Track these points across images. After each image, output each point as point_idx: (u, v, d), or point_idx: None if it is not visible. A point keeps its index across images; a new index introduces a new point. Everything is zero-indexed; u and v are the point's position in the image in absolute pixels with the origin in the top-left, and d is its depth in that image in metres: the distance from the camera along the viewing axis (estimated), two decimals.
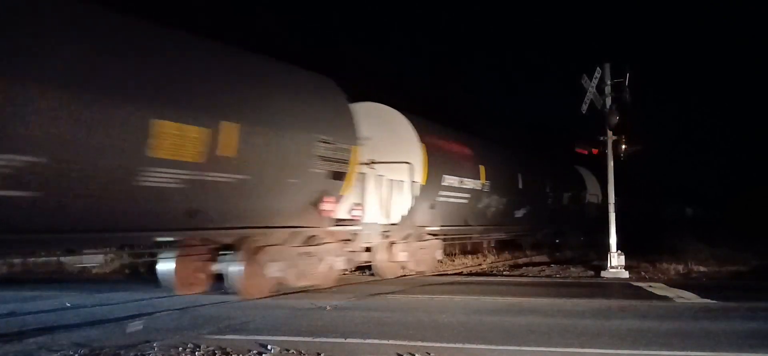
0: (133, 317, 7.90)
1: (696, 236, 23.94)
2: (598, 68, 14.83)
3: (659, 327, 7.17)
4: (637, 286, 11.92)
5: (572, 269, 15.71)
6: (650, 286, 11.74)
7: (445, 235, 15.92)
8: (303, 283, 10.61)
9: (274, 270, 9.94)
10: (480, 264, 18.07)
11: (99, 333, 6.91)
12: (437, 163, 14.52)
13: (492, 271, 16.34)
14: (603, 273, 14.06)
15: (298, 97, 10.28)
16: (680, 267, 14.89)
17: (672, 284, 11.92)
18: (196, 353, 5.81)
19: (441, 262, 16.43)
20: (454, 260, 18.10)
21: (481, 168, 16.92)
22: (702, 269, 14.91)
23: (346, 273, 13.12)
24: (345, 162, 10.99)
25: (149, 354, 5.82)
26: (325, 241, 11.17)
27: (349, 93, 12.17)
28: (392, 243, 13.45)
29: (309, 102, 10.49)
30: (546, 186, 21.67)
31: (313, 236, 10.93)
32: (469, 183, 15.98)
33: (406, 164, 13.56)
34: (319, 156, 10.28)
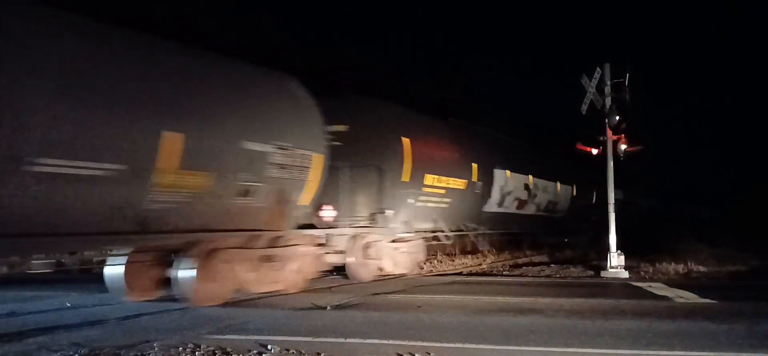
0: (133, 317, 7.91)
1: (696, 236, 23.94)
2: (598, 68, 14.85)
3: (659, 327, 7.17)
4: (637, 286, 11.93)
5: (572, 269, 15.71)
6: (650, 286, 11.74)
7: (431, 236, 15.16)
8: (265, 288, 9.94)
9: (229, 275, 9.25)
10: (480, 264, 18.07)
11: (99, 333, 6.91)
12: (423, 159, 13.61)
13: (492, 271, 16.33)
14: (603, 273, 14.07)
15: (250, 99, 9.51)
16: (680, 267, 14.89)
17: (672, 284, 11.93)
18: (196, 353, 5.81)
19: (427, 264, 16.00)
20: (453, 261, 18.09)
21: (474, 167, 16.26)
22: (702, 269, 14.91)
23: (324, 275, 12.21)
24: (305, 168, 10.29)
25: (149, 354, 5.83)
26: (291, 243, 10.46)
27: (339, 87, 12.07)
28: (367, 245, 12.59)
29: (263, 105, 9.74)
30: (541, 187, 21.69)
31: (279, 238, 10.23)
32: (457, 182, 15.33)
33: (387, 158, 12.83)
34: (276, 164, 9.62)
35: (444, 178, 14.79)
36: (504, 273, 15.84)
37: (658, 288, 11.25)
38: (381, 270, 13.10)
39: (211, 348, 5.91)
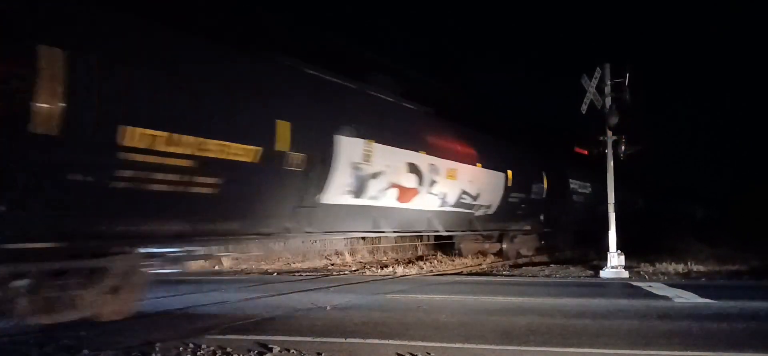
0: (133, 317, 7.90)
1: (696, 236, 23.96)
2: (598, 68, 14.87)
3: (659, 327, 7.18)
4: (637, 286, 11.93)
5: (572, 269, 15.74)
6: (650, 286, 11.75)
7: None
8: None
9: None
10: (480, 264, 18.10)
11: (99, 332, 6.91)
12: (115, 92, 6.38)
13: (492, 271, 16.35)
14: (602, 273, 14.09)
15: None
16: (680, 267, 14.91)
17: (672, 284, 11.94)
18: (197, 353, 5.82)
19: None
20: (454, 261, 18.12)
21: (281, 126, 8.60)
22: (702, 269, 14.92)
23: None
24: None
25: (150, 354, 5.83)
26: None
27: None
28: None
29: None
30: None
31: None
32: (234, 149, 7.84)
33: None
34: None
35: (191, 139, 7.20)
36: (504, 273, 15.85)
37: (658, 288, 11.25)
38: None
39: (212, 348, 5.92)
